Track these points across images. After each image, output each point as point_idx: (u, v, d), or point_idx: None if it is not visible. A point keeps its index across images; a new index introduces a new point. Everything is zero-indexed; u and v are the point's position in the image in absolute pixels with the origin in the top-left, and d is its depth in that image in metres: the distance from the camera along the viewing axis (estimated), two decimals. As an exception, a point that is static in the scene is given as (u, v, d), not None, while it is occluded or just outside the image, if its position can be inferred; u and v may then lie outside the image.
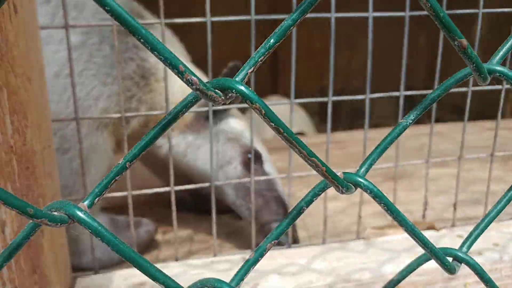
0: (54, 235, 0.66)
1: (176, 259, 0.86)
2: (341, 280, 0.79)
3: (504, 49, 0.43)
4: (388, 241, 0.89)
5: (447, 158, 0.95)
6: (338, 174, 0.37)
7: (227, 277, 0.36)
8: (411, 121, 0.42)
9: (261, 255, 0.39)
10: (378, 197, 0.38)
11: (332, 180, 0.36)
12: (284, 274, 0.80)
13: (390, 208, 0.39)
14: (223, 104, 0.33)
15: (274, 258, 0.85)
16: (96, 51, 0.86)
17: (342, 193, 0.37)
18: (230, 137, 0.99)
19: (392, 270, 0.81)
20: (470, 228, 0.93)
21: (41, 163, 0.59)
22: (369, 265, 0.82)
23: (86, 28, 0.85)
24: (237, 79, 0.33)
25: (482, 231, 0.50)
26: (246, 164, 0.98)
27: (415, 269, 0.49)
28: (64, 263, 0.73)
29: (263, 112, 0.33)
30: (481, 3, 0.85)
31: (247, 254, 0.87)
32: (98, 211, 0.96)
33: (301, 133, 2.64)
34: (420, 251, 0.79)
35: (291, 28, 0.34)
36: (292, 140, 0.34)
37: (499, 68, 0.42)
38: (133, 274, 0.79)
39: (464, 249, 0.48)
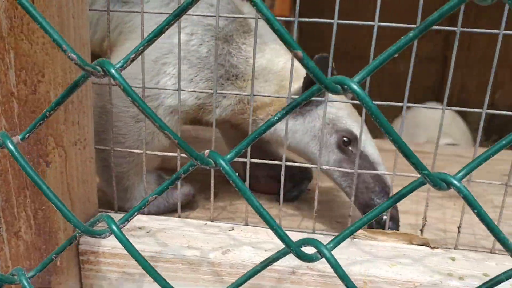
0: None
1: (179, 216, 1.01)
2: (305, 267, 0.85)
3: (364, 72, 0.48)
4: (373, 246, 0.91)
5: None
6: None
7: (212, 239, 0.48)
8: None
9: (357, 229, 0.52)
10: (469, 201, 0.45)
11: (425, 177, 0.45)
12: (258, 248, 0.89)
13: (479, 213, 0.46)
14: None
15: (258, 233, 0.94)
16: (194, 52, 1.03)
17: (438, 189, 0.45)
18: (328, 123, 1.05)
19: (359, 271, 0.84)
20: (469, 254, 0.91)
21: (60, 110, 0.77)
22: (339, 261, 0.86)
23: (191, 30, 1.02)
24: (355, 79, 0.44)
25: (479, 163, 0.48)
26: (341, 147, 1.04)
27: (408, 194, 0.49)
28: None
29: (369, 110, 0.43)
30: None
31: (235, 224, 0.98)
32: (154, 168, 1.15)
33: (453, 144, 2.56)
34: (399, 261, 0.82)
35: (412, 40, 0.43)
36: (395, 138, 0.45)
37: (344, 79, 0.46)
38: (137, 219, 0.95)
39: (459, 175, 0.47)
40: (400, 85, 0.84)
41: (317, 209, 0.96)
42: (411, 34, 0.44)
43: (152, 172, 1.13)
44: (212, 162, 0.52)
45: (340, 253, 0.88)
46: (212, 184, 0.96)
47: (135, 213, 0.59)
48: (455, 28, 0.85)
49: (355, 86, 0.44)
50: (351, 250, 0.90)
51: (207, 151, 0.53)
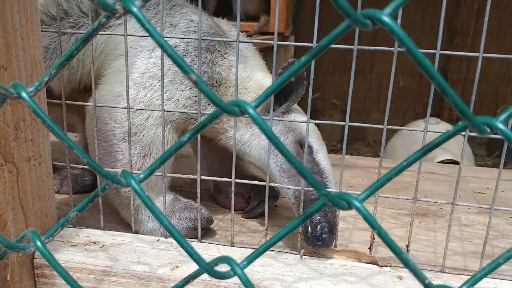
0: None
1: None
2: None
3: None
4: (321, 263, 0.93)
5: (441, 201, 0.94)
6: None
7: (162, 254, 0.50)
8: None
9: (272, 244, 0.52)
10: (368, 221, 0.47)
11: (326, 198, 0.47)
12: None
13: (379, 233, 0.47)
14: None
15: (208, 249, 0.96)
16: None
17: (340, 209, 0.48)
18: (288, 129, 1.08)
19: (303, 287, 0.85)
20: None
21: (9, 128, 0.79)
22: (286, 278, 0.88)
23: (174, 42, 1.07)
24: (385, 11, 0.39)
25: (382, 184, 0.48)
26: (297, 153, 1.06)
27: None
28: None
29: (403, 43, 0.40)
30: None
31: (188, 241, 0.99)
32: (168, 188, 1.10)
33: (453, 162, 2.53)
34: (345, 279, 0.83)
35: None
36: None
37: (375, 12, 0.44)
38: (92, 233, 0.97)
39: (361, 196, 0.48)
40: (400, 100, 0.85)
41: (267, 226, 0.98)
42: None
43: (169, 193, 1.10)
44: (124, 181, 0.54)
45: (288, 270, 0.90)
46: (164, 201, 0.98)
47: (59, 229, 0.60)
48: (434, 51, 0.85)
49: (386, 19, 0.39)
50: (299, 267, 0.91)
51: (120, 170, 0.55)
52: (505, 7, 3.29)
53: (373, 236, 0.95)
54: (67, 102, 1.00)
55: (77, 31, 1.13)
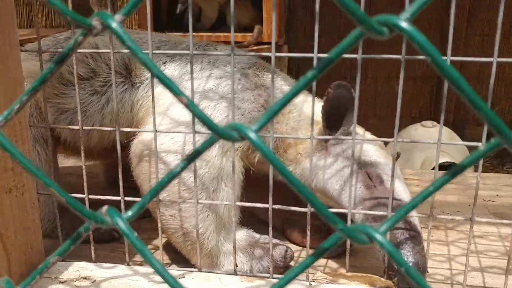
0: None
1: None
2: (257, 316, 0.79)
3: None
4: (333, 289, 0.86)
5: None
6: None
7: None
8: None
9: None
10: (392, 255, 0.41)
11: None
12: (208, 297, 0.83)
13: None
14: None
15: (209, 279, 0.88)
16: (229, 90, 1.01)
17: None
18: (349, 157, 0.99)
19: (315, 318, 0.78)
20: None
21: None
22: (294, 308, 0.81)
23: (220, 74, 1.05)
24: (402, 17, 0.35)
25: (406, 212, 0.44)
26: (366, 183, 0.97)
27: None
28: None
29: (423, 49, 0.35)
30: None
31: (188, 271, 0.92)
32: (237, 224, 0.98)
33: (451, 164, 2.51)
34: None
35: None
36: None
37: (391, 18, 0.41)
38: (83, 267, 0.90)
39: (381, 229, 0.43)
40: (396, 104, 0.79)
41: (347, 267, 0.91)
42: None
43: (238, 229, 1.01)
44: (109, 220, 0.48)
45: (296, 299, 0.83)
46: (160, 231, 0.91)
47: (37, 277, 0.54)
48: (445, 57, 0.78)
49: (405, 25, 0.35)
50: (307, 295, 0.84)
51: (104, 208, 0.49)
52: (496, 9, 3.26)
53: (384, 258, 0.89)
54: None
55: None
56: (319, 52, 0.75)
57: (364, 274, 0.87)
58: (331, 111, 0.96)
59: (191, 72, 0.81)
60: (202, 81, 1.04)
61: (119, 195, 0.88)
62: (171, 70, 1.08)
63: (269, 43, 2.64)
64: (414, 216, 0.91)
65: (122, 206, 0.89)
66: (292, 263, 1.01)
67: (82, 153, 0.91)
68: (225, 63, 1.07)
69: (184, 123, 0.97)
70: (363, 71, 3.57)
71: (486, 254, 1.15)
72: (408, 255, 0.84)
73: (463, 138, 3.11)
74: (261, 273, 0.97)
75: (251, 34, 2.59)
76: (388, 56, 0.79)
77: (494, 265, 1.09)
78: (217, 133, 0.43)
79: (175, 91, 0.41)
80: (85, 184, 0.91)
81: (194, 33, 0.80)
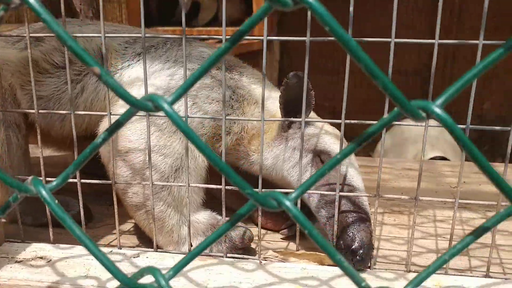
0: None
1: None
2: (204, 292, 0.81)
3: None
4: (282, 268, 0.88)
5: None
6: None
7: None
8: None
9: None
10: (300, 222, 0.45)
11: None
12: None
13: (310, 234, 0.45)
14: None
15: (164, 259, 0.90)
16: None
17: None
18: (305, 144, 1.03)
19: (262, 295, 0.81)
20: (383, 274, 0.87)
21: None
22: (242, 285, 0.83)
23: (193, 67, 1.08)
24: (437, 103, 0.39)
25: (457, 90, 0.44)
26: (317, 167, 1.01)
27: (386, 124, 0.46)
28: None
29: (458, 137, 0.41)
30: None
31: (143, 251, 0.94)
32: (202, 205, 1.03)
33: (442, 158, 2.54)
34: (305, 284, 0.79)
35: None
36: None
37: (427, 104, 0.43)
38: (41, 248, 0.92)
39: (292, 196, 0.46)
40: (385, 98, 0.80)
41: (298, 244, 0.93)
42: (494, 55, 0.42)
43: (201, 210, 1.03)
44: (33, 189, 0.50)
45: (246, 277, 0.85)
46: (116, 210, 0.93)
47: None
48: (433, 41, 0.80)
49: (439, 111, 0.41)
50: (257, 273, 0.86)
51: (30, 178, 0.50)
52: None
53: (333, 236, 0.91)
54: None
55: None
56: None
57: (312, 252, 0.90)
58: (289, 101, 0.99)
59: (144, 54, 0.83)
60: (167, 78, 1.05)
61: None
62: (141, 66, 1.10)
63: (259, 38, 2.60)
64: (362, 196, 0.93)
65: (79, 187, 0.91)
66: (253, 245, 1.04)
67: (39, 136, 0.93)
68: (194, 60, 1.10)
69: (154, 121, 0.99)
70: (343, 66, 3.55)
71: (444, 237, 1.18)
72: (353, 232, 0.86)
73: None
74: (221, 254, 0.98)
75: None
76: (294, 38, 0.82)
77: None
78: (133, 104, 0.45)
79: (88, 62, 0.43)
80: (41, 164, 0.92)
81: (186, 28, 0.82)
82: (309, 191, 0.95)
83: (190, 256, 0.51)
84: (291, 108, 1.00)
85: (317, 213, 0.97)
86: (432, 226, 1.24)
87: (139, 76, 1.07)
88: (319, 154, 1.03)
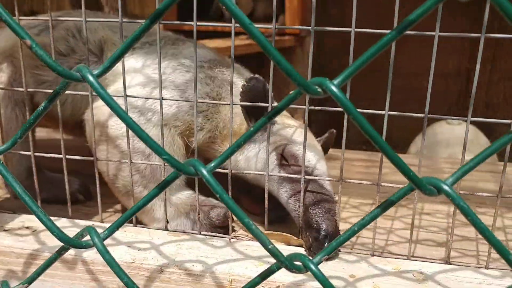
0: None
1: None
2: (173, 265, 0.86)
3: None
4: (249, 246, 0.91)
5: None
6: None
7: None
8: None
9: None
10: (462, 209, 0.46)
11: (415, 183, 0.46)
12: (133, 248, 0.90)
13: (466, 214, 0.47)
14: None
15: (140, 233, 0.96)
16: (181, 76, 1.10)
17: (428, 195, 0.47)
18: (271, 145, 1.05)
19: (225, 270, 0.84)
20: (346, 256, 0.90)
21: None
22: (208, 260, 0.87)
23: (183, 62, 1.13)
24: (335, 82, 0.44)
25: (470, 169, 0.47)
26: (282, 166, 1.03)
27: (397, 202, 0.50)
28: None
29: (350, 113, 0.44)
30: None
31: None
32: (185, 185, 1.09)
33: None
34: (268, 261, 0.82)
35: (391, 42, 0.44)
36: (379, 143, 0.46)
37: (324, 80, 0.48)
38: (28, 219, 0.99)
39: (449, 181, 0.47)
40: (425, 101, 0.83)
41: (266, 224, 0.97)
42: (389, 35, 0.44)
43: (183, 189, 1.09)
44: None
45: (213, 253, 0.89)
46: (98, 184, 0.99)
47: None
48: (479, 34, 0.79)
49: (334, 88, 0.43)
50: (224, 250, 0.90)
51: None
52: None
53: (300, 221, 0.94)
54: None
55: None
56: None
57: (280, 233, 0.93)
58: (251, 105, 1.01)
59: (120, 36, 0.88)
60: (155, 71, 1.10)
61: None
62: (135, 57, 1.16)
63: (291, 34, 2.61)
64: (327, 180, 0.97)
65: (64, 162, 0.98)
66: (235, 226, 1.08)
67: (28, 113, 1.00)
68: (187, 57, 1.15)
69: (134, 106, 1.05)
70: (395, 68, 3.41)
71: (426, 229, 1.19)
72: (316, 218, 0.89)
73: (490, 137, 3.04)
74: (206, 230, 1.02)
75: (270, 26, 2.58)
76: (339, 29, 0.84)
77: (430, 238, 1.13)
78: (61, 74, 0.49)
79: (20, 34, 0.48)
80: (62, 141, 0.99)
81: (206, 24, 0.87)
82: (271, 174, 0.98)
83: (126, 215, 0.56)
84: (252, 112, 1.03)
85: (277, 192, 1.01)
86: (418, 218, 1.25)
87: (130, 68, 1.13)
88: (278, 149, 1.04)
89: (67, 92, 1.08)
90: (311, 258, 0.51)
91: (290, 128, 1.08)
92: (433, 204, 1.34)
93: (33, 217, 1.01)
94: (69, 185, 1.29)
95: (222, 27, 2.57)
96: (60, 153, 0.98)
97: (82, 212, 1.20)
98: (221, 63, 1.20)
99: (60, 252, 0.60)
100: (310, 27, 0.84)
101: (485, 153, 0.45)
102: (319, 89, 0.44)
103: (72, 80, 0.49)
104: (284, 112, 1.14)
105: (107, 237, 0.57)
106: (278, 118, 1.09)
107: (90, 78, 0.48)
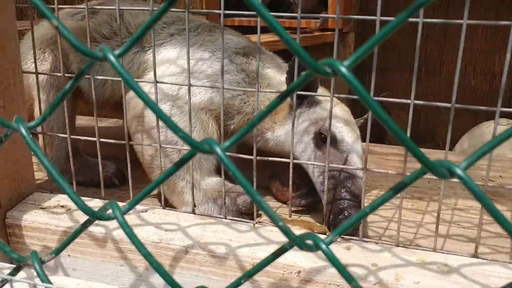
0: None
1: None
2: (198, 247, 0.88)
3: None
4: (273, 232, 0.92)
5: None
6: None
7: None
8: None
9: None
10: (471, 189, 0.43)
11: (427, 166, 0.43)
12: (160, 229, 0.93)
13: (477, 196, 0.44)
14: None
15: (168, 215, 0.98)
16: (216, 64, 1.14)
17: (442, 178, 0.44)
18: (313, 125, 1.09)
19: (247, 253, 0.86)
20: (370, 245, 0.89)
21: None
22: (232, 243, 0.89)
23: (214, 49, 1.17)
24: (345, 63, 0.43)
25: (480, 155, 0.45)
26: (318, 144, 1.06)
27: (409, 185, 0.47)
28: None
29: (359, 93, 0.43)
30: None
31: (152, 207, 1.03)
32: (214, 171, 1.12)
33: None
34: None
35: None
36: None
37: (333, 61, 0.50)
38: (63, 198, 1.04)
39: (462, 164, 0.44)
40: (471, 100, 0.82)
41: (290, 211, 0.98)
42: (399, 17, 0.44)
43: (212, 176, 1.11)
44: (15, 126, 0.58)
45: (237, 237, 0.91)
46: (129, 166, 1.02)
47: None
48: (509, 22, 0.76)
49: (343, 69, 0.43)
50: (248, 234, 0.92)
51: (15, 117, 0.59)
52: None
53: (324, 206, 0.94)
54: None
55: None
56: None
57: (304, 220, 0.93)
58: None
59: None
60: (192, 61, 1.13)
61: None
62: (172, 44, 1.20)
63: (334, 30, 2.55)
64: (353, 168, 0.97)
65: (98, 146, 1.02)
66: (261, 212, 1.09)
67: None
68: (219, 45, 1.17)
69: (168, 94, 1.08)
70: (439, 65, 3.40)
71: (458, 224, 1.16)
72: (341, 201, 0.89)
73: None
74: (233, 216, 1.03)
75: (316, 20, 2.58)
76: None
77: (461, 233, 1.10)
78: (84, 53, 0.51)
79: (46, 15, 0.51)
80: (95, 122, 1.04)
81: (232, 12, 0.89)
82: (306, 162, 1.00)
83: (145, 191, 0.58)
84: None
85: (316, 185, 1.02)
86: (450, 213, 1.23)
87: (168, 56, 1.17)
88: (321, 132, 1.06)
89: (104, 77, 1.14)
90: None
91: (334, 117, 1.07)
92: (467, 200, 1.31)
93: (66, 197, 1.06)
94: (105, 169, 1.34)
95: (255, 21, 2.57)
96: (99, 139, 1.01)
97: (116, 196, 1.25)
98: (255, 50, 1.21)
99: (85, 225, 0.63)
100: (335, 15, 0.83)
101: (500, 138, 0.44)
102: (329, 70, 0.44)
103: (95, 59, 0.51)
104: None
105: (127, 211, 0.59)
106: (321, 97, 1.12)
107: (111, 57, 0.50)
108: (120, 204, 0.66)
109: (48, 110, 0.58)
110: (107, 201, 1.04)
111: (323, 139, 1.05)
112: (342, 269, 0.50)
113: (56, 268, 0.99)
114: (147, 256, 0.57)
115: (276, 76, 1.19)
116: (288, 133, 1.10)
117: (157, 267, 0.56)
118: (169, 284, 0.56)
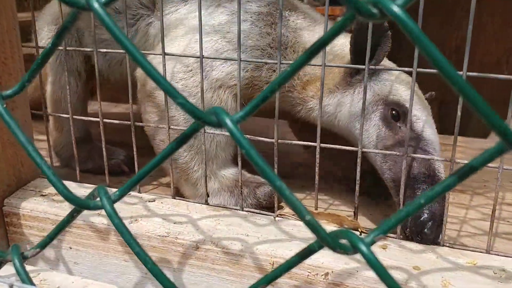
0: None
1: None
2: (210, 242, 0.77)
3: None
4: (296, 226, 0.81)
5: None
6: None
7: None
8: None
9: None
10: None
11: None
12: (168, 221, 0.83)
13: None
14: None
15: (178, 205, 0.88)
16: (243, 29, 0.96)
17: None
18: (378, 96, 0.92)
19: (266, 250, 0.75)
20: (408, 244, 0.77)
21: None
22: (249, 239, 0.77)
23: (233, 10, 1.00)
24: (398, 2, 0.32)
25: (389, 227, 0.39)
26: (387, 121, 0.89)
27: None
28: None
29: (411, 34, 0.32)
30: None
31: (160, 196, 0.92)
32: (231, 161, 1.00)
33: None
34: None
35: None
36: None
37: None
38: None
39: (368, 239, 0.38)
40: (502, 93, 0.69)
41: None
42: None
43: (230, 166, 1.00)
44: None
45: (255, 231, 0.80)
46: (135, 150, 0.92)
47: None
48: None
49: (395, 8, 0.32)
50: (268, 228, 0.80)
51: None
52: None
53: (357, 202, 0.82)
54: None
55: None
56: None
57: (332, 213, 0.81)
58: (361, 44, 0.84)
59: None
60: (210, 18, 1.02)
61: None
62: (186, 9, 1.08)
63: None
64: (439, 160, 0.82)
65: (101, 128, 0.91)
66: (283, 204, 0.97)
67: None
68: (243, 2, 1.00)
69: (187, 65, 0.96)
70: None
71: (508, 221, 1.02)
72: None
73: None
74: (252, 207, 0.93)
75: None
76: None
77: (510, 231, 0.97)
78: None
79: None
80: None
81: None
82: (373, 150, 0.86)
83: (140, 173, 0.48)
84: (362, 51, 0.82)
85: (382, 175, 0.87)
86: (498, 208, 1.09)
87: (180, 18, 1.05)
88: (392, 107, 0.89)
89: (107, 50, 1.02)
90: (362, 237, 0.39)
91: (403, 84, 0.92)
92: (515, 194, 1.16)
93: (71, 183, 0.97)
94: (115, 156, 1.25)
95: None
96: (112, 128, 0.91)
97: (124, 183, 1.15)
98: (290, 5, 1.04)
99: (72, 215, 0.53)
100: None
101: None
102: (375, 10, 0.32)
103: (76, 8, 0.40)
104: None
105: (118, 199, 0.49)
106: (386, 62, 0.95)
107: (95, 4, 0.39)
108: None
109: (27, 76, 0.48)
110: (112, 189, 0.95)
111: (394, 116, 0.88)
112: (386, 276, 0.38)
113: (57, 261, 0.90)
114: (140, 253, 0.47)
115: (312, 39, 1.00)
116: (340, 105, 0.94)
117: (152, 268, 0.45)
118: (167, 289, 0.45)
